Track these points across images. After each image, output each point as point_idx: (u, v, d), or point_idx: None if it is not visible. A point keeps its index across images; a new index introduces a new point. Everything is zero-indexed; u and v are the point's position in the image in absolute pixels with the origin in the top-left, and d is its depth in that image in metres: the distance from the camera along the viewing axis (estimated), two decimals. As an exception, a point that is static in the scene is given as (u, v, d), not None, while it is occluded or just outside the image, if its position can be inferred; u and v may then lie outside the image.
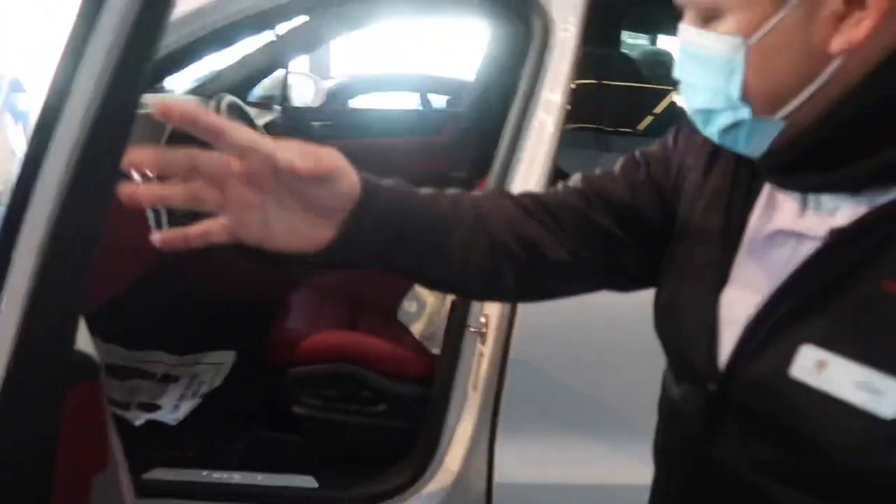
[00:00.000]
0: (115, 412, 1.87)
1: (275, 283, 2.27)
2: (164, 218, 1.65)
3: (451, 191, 0.70)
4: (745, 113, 0.55)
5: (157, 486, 1.58)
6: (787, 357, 0.53)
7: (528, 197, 0.73)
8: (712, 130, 0.58)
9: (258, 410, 1.93)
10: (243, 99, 2.81)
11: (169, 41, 1.35)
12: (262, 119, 2.72)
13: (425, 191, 0.68)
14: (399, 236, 0.63)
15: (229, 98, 1.92)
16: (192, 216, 1.80)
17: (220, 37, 1.42)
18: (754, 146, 0.57)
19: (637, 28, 3.07)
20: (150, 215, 1.60)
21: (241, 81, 2.78)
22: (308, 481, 1.62)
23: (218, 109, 1.80)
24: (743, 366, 0.58)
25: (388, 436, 1.73)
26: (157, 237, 0.56)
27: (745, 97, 0.54)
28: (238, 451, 1.76)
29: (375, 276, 2.28)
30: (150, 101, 2.18)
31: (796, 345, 0.53)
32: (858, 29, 0.48)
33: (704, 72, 0.56)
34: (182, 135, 1.87)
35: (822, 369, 0.51)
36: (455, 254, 0.66)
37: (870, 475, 0.51)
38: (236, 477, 1.63)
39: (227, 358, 2.18)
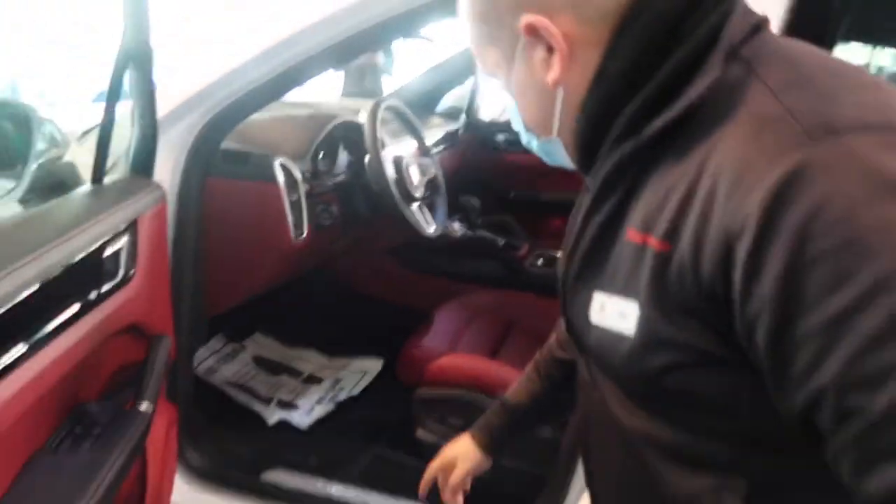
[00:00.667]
0: (254, 407, 1.90)
1: (430, 293, 2.21)
2: (304, 220, 1.64)
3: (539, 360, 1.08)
4: (534, 137, 0.70)
5: (272, 489, 1.56)
6: (587, 304, 0.64)
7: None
8: (534, 151, 0.72)
9: (387, 426, 1.85)
10: (432, 108, 2.81)
11: (321, 38, 1.29)
12: (445, 128, 2.68)
13: (522, 383, 1.10)
14: (528, 427, 1.08)
15: (389, 101, 1.88)
16: (331, 214, 1.74)
17: (368, 37, 1.35)
18: (561, 159, 0.70)
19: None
20: (290, 218, 1.59)
21: (431, 90, 2.78)
22: (420, 511, 1.51)
23: (376, 112, 1.76)
24: (569, 316, 0.70)
25: (512, 476, 1.56)
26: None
27: (528, 126, 0.69)
28: (358, 466, 1.70)
29: (533, 301, 2.12)
30: (319, 103, 2.23)
31: (591, 293, 0.64)
32: (556, 67, 0.61)
33: (510, 109, 0.71)
34: (337, 136, 1.83)
35: (604, 309, 0.62)
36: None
37: (642, 380, 0.60)
38: (350, 493, 1.56)
39: (373, 366, 2.15)
